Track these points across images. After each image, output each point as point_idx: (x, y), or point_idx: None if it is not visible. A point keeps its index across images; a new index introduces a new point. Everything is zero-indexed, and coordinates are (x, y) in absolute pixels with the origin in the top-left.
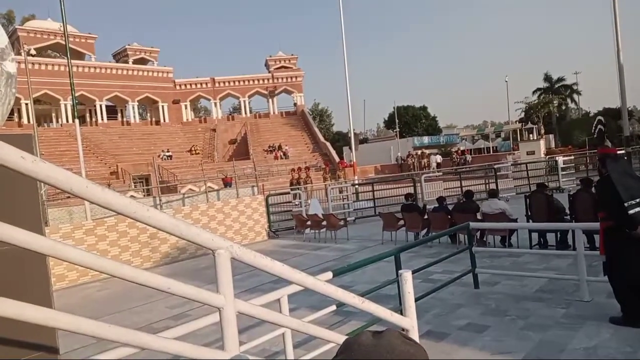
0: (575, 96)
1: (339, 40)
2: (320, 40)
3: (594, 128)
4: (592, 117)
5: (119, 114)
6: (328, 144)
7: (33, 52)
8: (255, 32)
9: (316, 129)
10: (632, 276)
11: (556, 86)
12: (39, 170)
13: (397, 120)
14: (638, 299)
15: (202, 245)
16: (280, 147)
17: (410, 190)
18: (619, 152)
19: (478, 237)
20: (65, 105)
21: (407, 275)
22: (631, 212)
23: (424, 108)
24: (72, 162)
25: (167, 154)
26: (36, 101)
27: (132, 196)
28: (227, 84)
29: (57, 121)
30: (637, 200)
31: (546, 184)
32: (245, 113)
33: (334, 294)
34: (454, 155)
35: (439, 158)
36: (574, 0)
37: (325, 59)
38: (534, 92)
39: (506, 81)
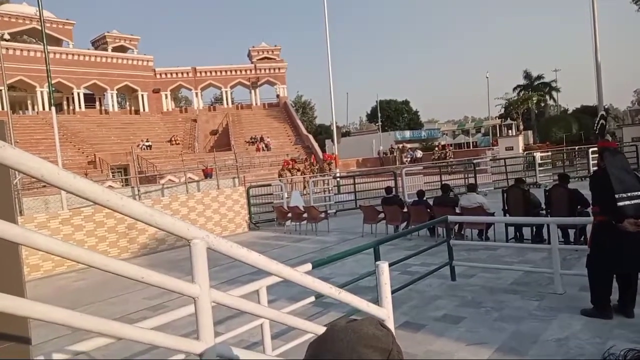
0: (554, 93)
1: (323, 32)
2: (304, 32)
3: (596, 123)
4: (570, 114)
5: (98, 103)
6: (310, 136)
7: (7, 36)
8: (238, 23)
9: (299, 122)
10: (617, 266)
11: (535, 83)
12: (7, 156)
13: (379, 114)
14: (609, 292)
15: (177, 234)
16: (262, 139)
17: (391, 183)
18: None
19: (456, 230)
20: (42, 92)
21: (383, 267)
22: (620, 204)
23: (406, 102)
24: (49, 151)
25: (147, 143)
26: (10, 87)
27: (110, 186)
28: (208, 74)
29: (33, 108)
30: (629, 194)
31: (523, 179)
32: (227, 104)
33: (310, 284)
34: (436, 150)
35: (419, 153)
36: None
37: (309, 50)
38: (514, 89)
39: (487, 77)
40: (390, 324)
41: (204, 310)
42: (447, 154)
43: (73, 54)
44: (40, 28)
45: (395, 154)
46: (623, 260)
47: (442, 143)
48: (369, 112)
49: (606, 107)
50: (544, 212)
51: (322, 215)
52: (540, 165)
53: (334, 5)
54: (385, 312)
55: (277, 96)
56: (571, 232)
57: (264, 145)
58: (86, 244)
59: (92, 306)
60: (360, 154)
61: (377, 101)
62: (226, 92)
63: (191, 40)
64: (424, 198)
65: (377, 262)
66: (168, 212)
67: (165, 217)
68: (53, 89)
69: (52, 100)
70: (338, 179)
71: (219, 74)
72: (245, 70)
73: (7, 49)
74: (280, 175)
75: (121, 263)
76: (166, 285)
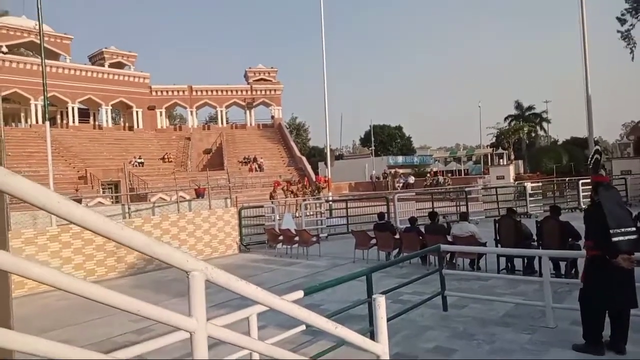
0: (544, 124)
1: (320, 55)
2: (301, 54)
3: (590, 157)
4: (560, 145)
5: (92, 118)
6: (304, 158)
7: (5, 49)
8: (235, 45)
9: (292, 143)
10: (610, 302)
11: (527, 114)
12: (9, 182)
13: (372, 139)
14: (601, 327)
15: (176, 266)
16: (255, 160)
17: (383, 209)
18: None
19: (448, 259)
20: (36, 105)
21: (380, 300)
22: (614, 239)
23: (399, 128)
24: (40, 165)
25: (139, 160)
26: (5, 99)
27: (99, 202)
28: (204, 93)
29: (26, 121)
30: (622, 229)
31: (515, 209)
32: (222, 123)
33: (307, 318)
34: (428, 176)
35: (411, 179)
36: (548, 33)
37: (305, 73)
38: (505, 119)
39: (479, 106)
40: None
41: (201, 346)
42: (446, 181)
43: (70, 69)
44: (38, 42)
45: (387, 179)
46: (615, 297)
47: (434, 169)
48: (362, 136)
49: (596, 139)
50: (535, 243)
51: (314, 239)
52: (531, 195)
53: (331, 29)
54: (381, 348)
55: (272, 117)
56: (562, 264)
57: (257, 166)
58: (73, 261)
59: (75, 327)
60: (353, 178)
61: (370, 126)
62: (221, 111)
63: (188, 60)
64: (416, 225)
65: (374, 296)
66: (159, 233)
67: (165, 247)
68: (48, 102)
69: (47, 114)
70: (330, 203)
71: (214, 93)
72: (241, 91)
73: (3, 60)
74: (271, 197)
75: (120, 296)
76: (162, 319)
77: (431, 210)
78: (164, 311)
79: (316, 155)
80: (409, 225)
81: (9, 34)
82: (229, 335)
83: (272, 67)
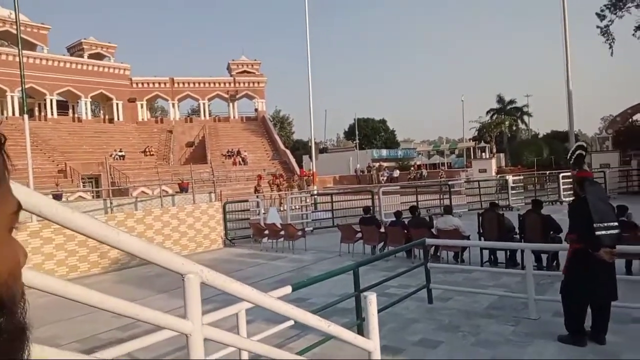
0: (525, 118)
1: (304, 48)
2: (284, 47)
3: (571, 152)
4: (541, 138)
5: (71, 110)
6: (288, 151)
7: None
8: (217, 36)
9: (277, 136)
10: (592, 295)
11: (508, 107)
12: None
13: (357, 132)
14: (583, 319)
15: (172, 269)
16: (239, 153)
17: (368, 202)
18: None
19: (432, 252)
20: (12, 97)
21: (372, 298)
22: (598, 233)
23: (383, 121)
24: (18, 158)
25: (120, 153)
26: None
27: (80, 197)
28: (186, 85)
29: (2, 113)
30: (605, 224)
31: (497, 202)
32: (205, 116)
33: (301, 318)
34: (412, 170)
35: (396, 172)
36: (529, 27)
37: (289, 65)
38: (487, 112)
39: (462, 100)
40: (377, 356)
41: (197, 348)
42: (422, 174)
43: (47, 59)
44: (13, 31)
45: (372, 173)
46: (597, 290)
47: (418, 163)
48: (346, 129)
49: (575, 132)
50: (517, 236)
51: (300, 233)
52: (512, 188)
53: (316, 22)
54: (372, 344)
55: (256, 110)
56: (544, 257)
57: (240, 159)
58: (55, 257)
59: (59, 324)
60: (337, 171)
61: (355, 119)
62: (204, 104)
63: (169, 51)
64: (401, 219)
65: (366, 293)
66: (141, 227)
67: (163, 252)
68: (25, 94)
69: (25, 107)
70: (315, 197)
71: (197, 85)
72: (224, 83)
73: None
74: (256, 191)
75: (116, 300)
76: (159, 322)
77: (414, 203)
78: (160, 315)
79: (300, 149)
80: (394, 219)
81: None
82: (224, 336)
83: (255, 60)
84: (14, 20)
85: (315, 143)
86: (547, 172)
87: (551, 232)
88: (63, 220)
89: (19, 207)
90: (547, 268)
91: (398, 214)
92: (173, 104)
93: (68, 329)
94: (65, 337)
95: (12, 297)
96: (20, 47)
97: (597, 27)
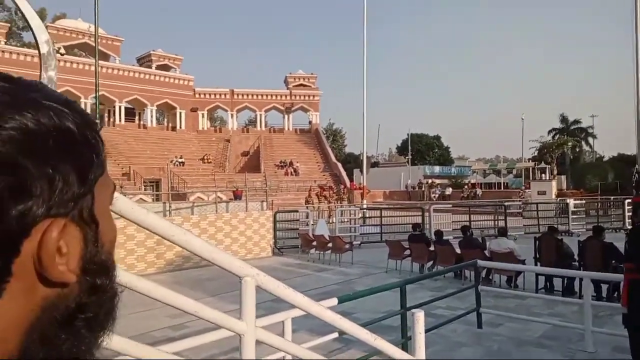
0: (590, 139)
1: (360, 63)
2: (341, 62)
3: (633, 176)
4: (606, 161)
5: (137, 117)
6: (339, 164)
7: (62, 50)
8: (275, 51)
9: (329, 149)
10: None
11: (571, 128)
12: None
13: (410, 148)
14: None
15: (231, 271)
16: (291, 164)
17: (418, 219)
18: None
19: (484, 275)
20: (85, 103)
21: (419, 315)
22: None
23: (437, 137)
24: None
25: (180, 160)
26: None
27: (141, 199)
28: (245, 96)
29: None
30: None
31: (556, 227)
32: (260, 127)
33: (349, 329)
34: (465, 188)
35: (448, 190)
36: (597, 46)
37: (344, 80)
38: (549, 132)
39: (522, 119)
40: None
41: (249, 348)
42: (476, 193)
43: (119, 69)
44: (91, 43)
45: (423, 189)
46: None
47: (472, 181)
48: (399, 144)
49: None
50: (576, 263)
51: (347, 246)
52: (573, 212)
53: (374, 35)
54: None
55: (310, 122)
56: (604, 287)
57: (292, 170)
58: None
59: (120, 320)
60: (388, 186)
61: (408, 134)
62: (260, 115)
63: (229, 64)
64: (443, 238)
65: (414, 310)
66: (196, 231)
67: (224, 255)
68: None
69: (97, 113)
70: (365, 210)
71: (255, 97)
72: (281, 96)
73: (59, 60)
74: (307, 202)
75: (179, 297)
76: (217, 321)
77: (466, 223)
78: (218, 314)
79: (351, 162)
80: (435, 239)
81: (65, 35)
82: (275, 340)
83: (311, 73)
84: (92, 33)
85: (367, 157)
86: (612, 197)
87: (613, 261)
88: (138, 219)
89: (114, 187)
90: (607, 299)
91: (439, 233)
92: (232, 115)
93: (128, 324)
94: (127, 332)
95: (114, 263)
96: (97, 58)
97: None
